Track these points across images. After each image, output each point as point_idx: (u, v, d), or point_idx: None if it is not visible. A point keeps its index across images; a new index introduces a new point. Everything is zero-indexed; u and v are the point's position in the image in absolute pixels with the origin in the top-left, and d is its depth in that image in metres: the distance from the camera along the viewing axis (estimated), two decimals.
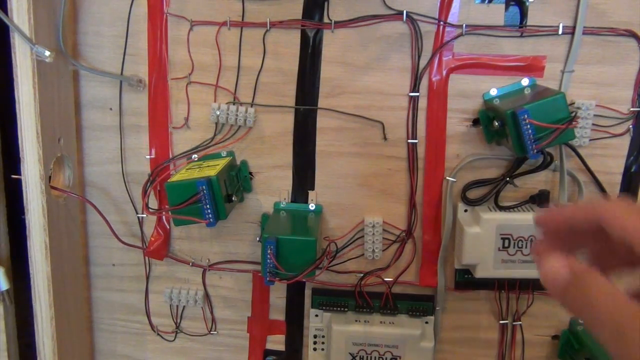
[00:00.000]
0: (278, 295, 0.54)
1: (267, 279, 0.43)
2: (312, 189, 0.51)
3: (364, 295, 0.52)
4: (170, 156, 0.51)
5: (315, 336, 0.53)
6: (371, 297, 0.52)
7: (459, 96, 0.47)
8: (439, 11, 0.46)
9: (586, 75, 0.46)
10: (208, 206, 0.43)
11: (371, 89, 0.48)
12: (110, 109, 0.51)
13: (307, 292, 0.54)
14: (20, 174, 0.45)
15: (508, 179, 0.47)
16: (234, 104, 0.49)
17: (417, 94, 0.48)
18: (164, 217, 0.52)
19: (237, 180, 0.49)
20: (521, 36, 0.46)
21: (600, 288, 0.22)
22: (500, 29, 0.46)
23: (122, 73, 0.50)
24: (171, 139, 0.51)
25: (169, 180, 0.44)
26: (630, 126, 0.47)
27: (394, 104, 0.48)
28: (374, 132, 0.49)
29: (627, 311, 0.21)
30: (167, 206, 0.45)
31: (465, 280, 0.51)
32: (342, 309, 0.52)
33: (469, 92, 0.47)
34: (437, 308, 0.52)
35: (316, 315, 0.53)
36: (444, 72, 0.47)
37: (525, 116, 0.40)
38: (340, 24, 0.47)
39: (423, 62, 0.47)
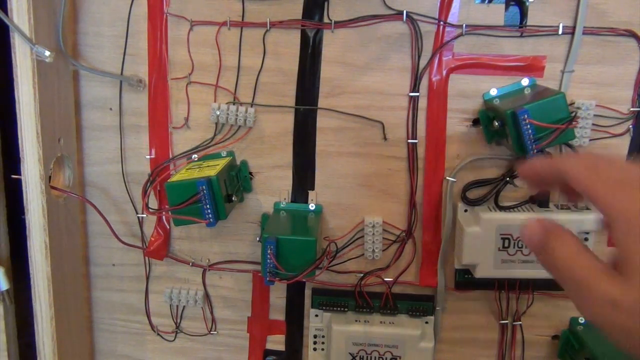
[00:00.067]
0: (278, 295, 0.54)
1: (267, 279, 0.44)
2: (312, 189, 0.51)
3: (364, 295, 0.52)
4: (170, 156, 0.51)
5: (315, 336, 0.53)
6: (371, 297, 0.52)
7: (459, 96, 0.47)
8: (439, 11, 0.46)
9: (586, 75, 0.46)
10: (208, 206, 0.43)
11: (371, 89, 0.48)
12: (110, 109, 0.51)
13: (307, 292, 0.54)
14: (20, 174, 0.45)
15: (508, 179, 0.47)
16: (234, 104, 0.49)
17: (417, 94, 0.48)
18: (164, 217, 0.52)
19: (237, 180, 0.49)
20: (521, 36, 0.46)
21: (567, 247, 0.25)
22: (500, 29, 0.46)
23: (122, 73, 0.50)
24: (171, 139, 0.51)
25: (169, 180, 0.44)
26: (630, 126, 0.47)
27: (394, 104, 0.48)
28: (374, 132, 0.49)
29: (587, 269, 0.23)
30: (167, 206, 0.45)
31: (465, 280, 0.51)
32: (342, 309, 0.52)
33: (469, 92, 0.47)
34: (437, 308, 0.52)
35: (316, 315, 0.53)
36: (444, 72, 0.47)
37: (525, 116, 0.40)
38: (340, 24, 0.47)
39: (423, 62, 0.47)
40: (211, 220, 0.43)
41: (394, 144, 0.49)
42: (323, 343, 0.53)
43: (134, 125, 0.51)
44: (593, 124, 0.46)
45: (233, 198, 0.46)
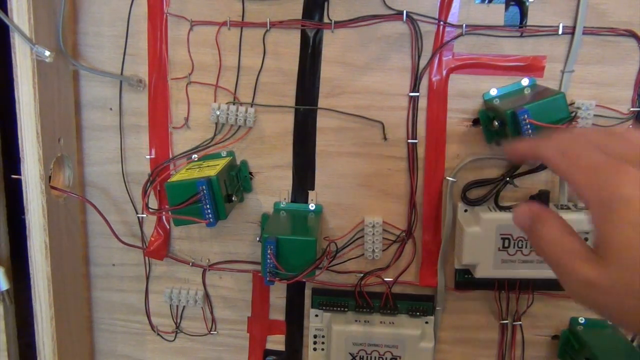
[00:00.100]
0: (278, 295, 0.54)
1: (267, 279, 0.43)
2: (312, 189, 0.51)
3: (364, 295, 0.52)
4: (170, 156, 0.51)
5: (315, 336, 0.53)
6: (371, 297, 0.52)
7: (459, 96, 0.47)
8: (439, 11, 0.46)
9: (586, 75, 0.46)
10: (208, 206, 0.43)
11: (371, 89, 0.48)
12: (110, 109, 0.51)
13: (307, 292, 0.54)
14: (20, 174, 0.45)
15: (508, 179, 0.47)
16: (234, 104, 0.49)
17: (417, 94, 0.48)
18: (164, 217, 0.52)
19: (237, 180, 0.49)
20: (521, 36, 0.46)
21: (551, 230, 0.26)
22: (500, 29, 0.46)
23: (122, 73, 0.50)
24: (171, 139, 0.51)
25: (169, 180, 0.44)
26: (630, 126, 0.47)
27: (394, 104, 0.48)
28: (374, 132, 0.49)
29: (569, 252, 0.25)
30: (167, 206, 0.45)
31: (465, 280, 0.51)
32: (342, 309, 0.52)
33: (469, 92, 0.47)
34: (437, 308, 0.52)
35: (316, 315, 0.53)
36: (444, 72, 0.47)
37: (525, 116, 0.40)
38: (340, 24, 0.47)
39: (423, 62, 0.47)
40: (211, 220, 0.43)
41: (394, 144, 0.49)
42: (323, 343, 0.53)
43: (134, 125, 0.51)
44: (593, 124, 0.46)
45: (233, 198, 0.46)
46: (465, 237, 0.47)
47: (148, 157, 0.52)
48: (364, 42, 0.47)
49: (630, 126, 0.47)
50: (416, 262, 0.51)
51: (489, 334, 0.53)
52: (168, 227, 0.53)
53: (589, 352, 0.47)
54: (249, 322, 0.56)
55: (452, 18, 0.46)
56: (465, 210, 0.49)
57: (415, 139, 0.48)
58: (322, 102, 0.49)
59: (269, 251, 0.43)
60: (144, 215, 0.53)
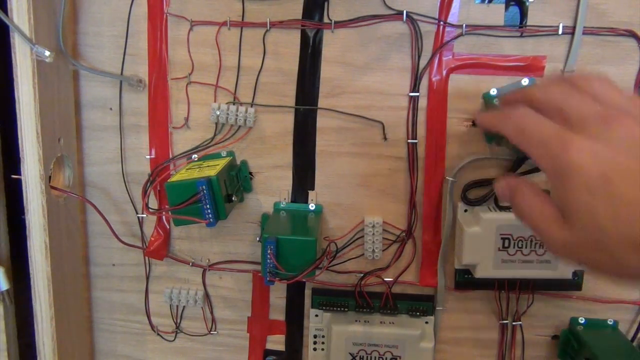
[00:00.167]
0: (278, 295, 0.54)
1: (267, 279, 0.43)
2: (312, 189, 0.51)
3: (364, 295, 0.52)
4: (170, 156, 0.51)
5: (315, 336, 0.53)
6: (371, 297, 0.52)
7: (459, 96, 0.47)
8: (439, 11, 0.46)
9: None
10: (208, 206, 0.43)
11: (371, 89, 0.48)
12: (110, 109, 0.51)
13: (307, 292, 0.54)
14: (20, 174, 0.45)
15: None
16: (234, 104, 0.49)
17: (417, 94, 0.48)
18: (164, 217, 0.52)
19: (237, 180, 0.49)
20: (521, 36, 0.46)
21: (527, 200, 0.30)
22: (500, 29, 0.46)
23: (122, 73, 0.50)
24: (171, 139, 0.51)
25: (168, 180, 0.44)
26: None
27: (394, 104, 0.48)
28: (374, 132, 0.49)
29: (543, 219, 0.28)
30: (167, 206, 0.45)
31: (465, 280, 0.51)
32: (342, 309, 0.52)
33: (469, 92, 0.47)
34: (437, 308, 0.52)
35: (316, 315, 0.53)
36: (444, 72, 0.47)
37: None
38: (340, 24, 0.47)
39: (423, 62, 0.47)
40: (211, 220, 0.43)
41: (394, 144, 0.49)
42: (323, 343, 0.53)
43: (134, 125, 0.51)
44: None
45: (233, 198, 0.46)
46: (465, 237, 0.47)
47: (148, 157, 0.52)
48: (364, 42, 0.47)
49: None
50: (416, 262, 0.51)
51: (489, 334, 0.53)
52: (168, 227, 0.53)
53: (589, 352, 0.47)
54: (249, 322, 0.56)
55: (452, 18, 0.46)
56: (465, 210, 0.49)
57: (415, 139, 0.48)
58: (322, 102, 0.49)
59: (269, 251, 0.43)
60: (144, 215, 0.53)
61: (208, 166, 0.47)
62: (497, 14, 0.46)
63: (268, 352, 0.56)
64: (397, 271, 0.51)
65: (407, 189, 0.50)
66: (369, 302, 0.52)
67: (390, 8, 0.46)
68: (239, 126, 0.50)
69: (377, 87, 0.48)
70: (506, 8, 0.46)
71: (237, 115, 0.49)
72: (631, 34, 0.45)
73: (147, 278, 0.55)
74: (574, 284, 0.49)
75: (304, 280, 0.49)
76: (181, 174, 0.46)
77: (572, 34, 0.45)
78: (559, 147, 0.27)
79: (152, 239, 0.53)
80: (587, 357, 0.48)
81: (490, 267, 0.47)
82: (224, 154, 0.50)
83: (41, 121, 0.44)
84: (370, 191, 0.50)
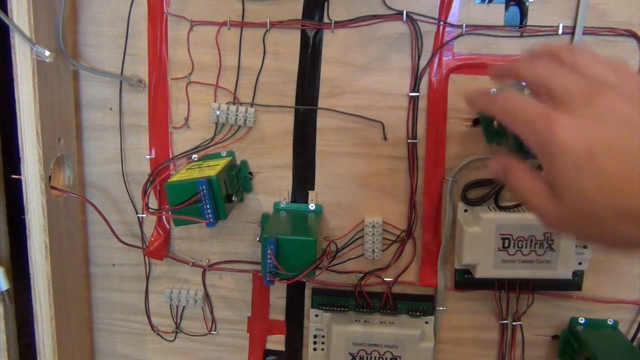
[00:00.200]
0: (278, 295, 0.54)
1: (267, 279, 0.43)
2: (312, 189, 0.51)
3: (364, 295, 0.52)
4: (170, 156, 0.51)
5: (315, 336, 0.53)
6: (371, 297, 0.52)
7: (459, 96, 0.47)
8: (439, 11, 0.46)
9: None
10: (208, 206, 0.43)
11: (371, 89, 0.48)
12: (110, 109, 0.51)
13: (307, 292, 0.54)
14: (20, 174, 0.45)
15: None
16: (234, 104, 0.49)
17: (417, 94, 0.48)
18: (164, 217, 0.52)
19: (237, 180, 0.49)
20: (521, 36, 0.46)
21: (518, 177, 0.31)
22: (500, 29, 0.46)
23: (122, 73, 0.50)
24: (171, 139, 0.51)
25: (168, 180, 0.44)
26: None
27: (394, 104, 0.48)
28: (374, 132, 0.49)
29: (534, 194, 0.30)
30: (167, 206, 0.45)
31: (465, 280, 0.51)
32: (342, 309, 0.52)
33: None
34: (437, 308, 0.52)
35: (316, 315, 0.53)
36: (444, 72, 0.47)
37: None
38: (340, 24, 0.47)
39: (423, 62, 0.47)
40: (211, 220, 0.43)
41: (394, 144, 0.49)
42: (323, 343, 0.53)
43: (134, 125, 0.51)
44: None
45: (233, 198, 0.46)
46: (465, 237, 0.47)
47: (148, 157, 0.52)
48: (364, 42, 0.47)
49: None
50: (416, 262, 0.51)
51: (489, 334, 0.53)
52: (168, 227, 0.53)
53: (589, 352, 0.47)
54: (249, 322, 0.56)
55: (452, 18, 0.46)
56: (465, 210, 0.49)
57: (415, 139, 0.48)
58: (322, 102, 0.49)
59: (269, 251, 0.43)
60: (144, 215, 0.53)
61: (208, 166, 0.47)
62: (497, 14, 0.46)
63: (268, 352, 0.56)
64: (397, 271, 0.51)
65: (407, 189, 0.50)
66: (369, 302, 0.52)
67: (390, 8, 0.46)
68: (239, 126, 0.50)
69: (377, 87, 0.48)
70: (506, 8, 0.46)
71: (237, 115, 0.49)
72: (631, 34, 0.45)
73: (147, 278, 0.55)
74: (574, 284, 0.49)
75: (304, 280, 0.49)
76: (181, 174, 0.46)
77: (572, 34, 0.45)
78: (544, 126, 0.28)
79: (152, 239, 0.53)
80: (587, 357, 0.48)
81: (490, 267, 0.47)
82: (224, 154, 0.50)
83: (41, 121, 0.44)
84: (370, 191, 0.50)
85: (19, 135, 0.44)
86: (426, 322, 0.52)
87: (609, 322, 0.51)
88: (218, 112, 0.49)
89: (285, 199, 0.51)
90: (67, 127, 0.49)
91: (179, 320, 0.56)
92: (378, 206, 0.51)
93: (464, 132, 0.48)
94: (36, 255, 0.46)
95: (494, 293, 0.51)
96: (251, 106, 0.49)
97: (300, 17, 0.47)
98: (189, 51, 0.49)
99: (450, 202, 0.49)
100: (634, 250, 0.27)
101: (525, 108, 0.29)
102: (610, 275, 0.50)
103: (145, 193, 0.51)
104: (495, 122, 0.44)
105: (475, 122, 0.48)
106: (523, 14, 0.45)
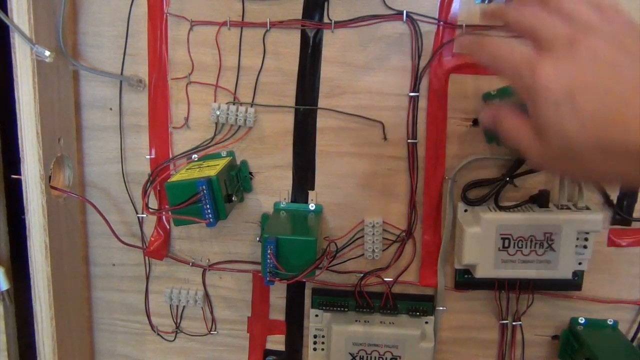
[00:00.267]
0: (278, 295, 0.54)
1: (267, 279, 0.44)
2: (312, 189, 0.51)
3: (364, 295, 0.52)
4: (170, 156, 0.51)
5: (315, 336, 0.53)
6: (371, 297, 0.52)
7: (459, 96, 0.47)
8: (439, 11, 0.46)
9: None
10: (208, 206, 0.43)
11: (371, 89, 0.48)
12: (110, 109, 0.51)
13: (307, 292, 0.54)
14: (20, 174, 0.45)
15: (508, 179, 0.47)
16: (234, 104, 0.49)
17: (417, 94, 0.48)
18: (164, 217, 0.52)
19: (237, 180, 0.49)
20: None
21: (508, 123, 0.33)
22: (500, 29, 0.46)
23: (122, 73, 0.50)
24: (171, 139, 0.51)
25: (168, 180, 0.44)
26: None
27: (394, 104, 0.48)
28: (374, 132, 0.49)
29: (523, 138, 0.32)
30: (167, 206, 0.45)
31: (465, 280, 0.51)
32: (342, 309, 0.52)
33: (469, 92, 0.47)
34: (437, 308, 0.52)
35: (316, 315, 0.53)
36: (444, 72, 0.47)
37: None
38: (340, 24, 0.47)
39: (423, 62, 0.47)
40: (211, 220, 0.43)
41: (394, 144, 0.49)
42: (323, 343, 0.53)
43: (134, 125, 0.51)
44: None
45: (233, 198, 0.46)
46: (465, 237, 0.47)
47: (148, 157, 0.52)
48: (363, 42, 0.47)
49: None
50: (416, 262, 0.51)
51: (489, 334, 0.53)
52: (168, 227, 0.53)
53: (589, 352, 0.47)
54: (249, 322, 0.56)
55: (452, 18, 0.46)
56: (465, 210, 0.49)
57: (415, 139, 0.48)
58: (322, 102, 0.49)
59: (269, 251, 0.43)
60: (144, 215, 0.53)
61: (208, 166, 0.47)
62: None
63: (268, 352, 0.56)
64: (397, 271, 0.51)
65: (407, 189, 0.50)
66: (369, 302, 0.52)
67: (390, 8, 0.46)
68: (239, 126, 0.50)
69: (377, 87, 0.48)
70: None
71: (237, 115, 0.49)
72: None
73: (147, 278, 0.55)
74: (574, 284, 0.49)
75: (304, 280, 0.49)
76: (181, 174, 0.46)
77: None
78: (529, 71, 0.29)
79: (152, 239, 0.53)
80: (587, 357, 0.48)
81: (490, 267, 0.47)
82: (224, 154, 0.50)
83: (41, 121, 0.44)
84: (370, 191, 0.50)
85: (19, 135, 0.44)
86: (426, 322, 0.52)
87: (609, 322, 0.51)
88: (218, 112, 0.49)
89: (285, 199, 0.51)
90: (67, 127, 0.49)
91: (179, 320, 0.56)
92: (378, 206, 0.51)
93: (464, 132, 0.48)
94: (36, 255, 0.46)
95: (494, 293, 0.51)
96: (251, 106, 0.49)
97: (300, 17, 0.47)
98: (189, 51, 0.49)
99: (450, 202, 0.49)
100: (611, 184, 0.30)
101: (511, 54, 0.31)
102: (610, 275, 0.50)
103: (145, 193, 0.51)
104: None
105: (475, 122, 0.48)
106: None
